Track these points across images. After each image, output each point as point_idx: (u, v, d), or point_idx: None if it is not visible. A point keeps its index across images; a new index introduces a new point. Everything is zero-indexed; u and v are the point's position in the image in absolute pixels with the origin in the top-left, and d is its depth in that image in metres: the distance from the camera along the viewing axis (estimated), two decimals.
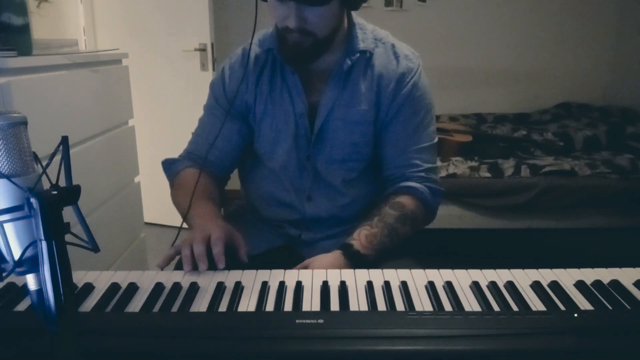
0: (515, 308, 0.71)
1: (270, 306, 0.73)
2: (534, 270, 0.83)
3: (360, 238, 0.97)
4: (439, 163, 2.43)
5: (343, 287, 0.77)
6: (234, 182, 1.24)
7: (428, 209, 1.07)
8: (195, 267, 0.84)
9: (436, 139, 1.10)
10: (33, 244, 0.46)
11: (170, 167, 1.14)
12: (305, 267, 0.91)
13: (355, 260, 0.94)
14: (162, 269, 0.86)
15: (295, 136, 1.07)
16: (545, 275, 0.81)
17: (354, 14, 1.06)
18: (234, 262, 0.88)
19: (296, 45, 0.95)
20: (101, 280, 0.81)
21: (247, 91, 1.08)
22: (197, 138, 1.14)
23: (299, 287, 0.77)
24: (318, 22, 0.93)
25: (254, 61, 1.07)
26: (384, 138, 1.07)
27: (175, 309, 0.72)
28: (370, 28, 1.08)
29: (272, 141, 1.09)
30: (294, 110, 1.05)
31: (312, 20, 0.92)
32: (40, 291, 0.47)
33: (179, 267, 1.06)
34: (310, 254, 1.13)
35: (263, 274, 0.82)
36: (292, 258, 1.12)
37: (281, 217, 1.14)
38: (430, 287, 0.77)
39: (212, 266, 0.84)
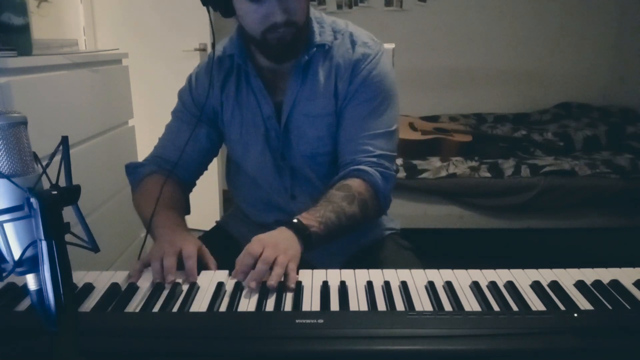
0: (515, 308, 0.71)
1: (270, 306, 0.73)
2: (534, 270, 0.83)
3: (302, 214, 0.93)
4: (438, 163, 2.45)
5: (343, 287, 0.77)
6: None
7: (378, 193, 1.01)
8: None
9: (395, 127, 1.05)
10: (33, 244, 0.46)
11: (135, 171, 1.10)
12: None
13: (300, 231, 0.89)
14: (135, 283, 0.82)
15: (266, 138, 1.07)
16: (545, 275, 0.81)
17: (312, 8, 1.05)
18: (227, 264, 0.87)
19: (280, 40, 0.95)
20: (101, 280, 0.81)
21: (214, 96, 1.08)
22: (165, 142, 1.13)
23: (298, 287, 0.77)
24: (298, 8, 0.94)
25: (219, 66, 1.08)
26: (339, 124, 1.05)
27: (175, 309, 0.72)
28: (329, 21, 1.07)
29: (243, 146, 1.09)
30: (262, 112, 1.06)
31: (294, 8, 0.93)
32: (40, 291, 0.47)
33: (178, 267, 1.06)
34: (309, 254, 1.13)
35: None
36: None
37: (270, 219, 1.14)
38: (430, 287, 0.77)
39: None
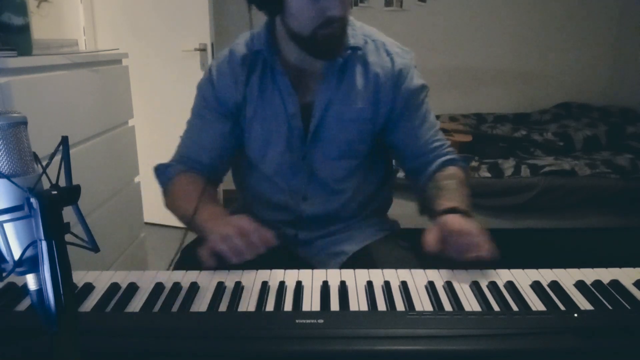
0: (515, 308, 0.71)
1: (270, 306, 0.73)
2: (534, 270, 0.83)
3: (447, 203, 0.96)
4: None
5: (343, 287, 0.77)
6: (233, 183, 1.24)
7: (467, 173, 1.11)
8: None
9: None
10: (33, 244, 0.46)
11: (165, 172, 1.10)
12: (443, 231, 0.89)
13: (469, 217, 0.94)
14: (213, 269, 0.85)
15: (287, 137, 1.06)
16: (545, 275, 0.81)
17: None
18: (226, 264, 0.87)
19: (330, 36, 0.95)
20: (101, 280, 0.81)
21: (237, 91, 1.06)
22: (188, 141, 1.12)
23: (299, 287, 0.77)
24: (349, 3, 0.96)
25: (242, 62, 1.06)
26: (400, 133, 1.09)
27: (175, 308, 0.72)
28: (358, 24, 1.08)
29: (263, 144, 1.08)
30: (286, 111, 1.05)
31: (347, 2, 0.95)
32: (40, 291, 0.47)
33: (179, 267, 1.06)
34: (307, 254, 1.13)
35: (263, 274, 0.82)
36: (289, 258, 1.12)
37: (277, 218, 1.14)
38: (430, 287, 0.77)
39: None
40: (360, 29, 1.08)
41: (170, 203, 1.08)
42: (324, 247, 1.10)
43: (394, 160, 1.25)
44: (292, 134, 1.06)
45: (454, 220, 0.89)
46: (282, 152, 1.07)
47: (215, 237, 0.86)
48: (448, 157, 1.09)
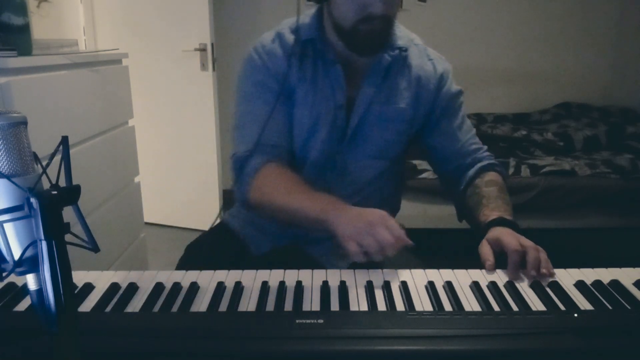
0: (515, 308, 0.71)
1: (270, 306, 0.72)
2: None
3: (490, 214, 0.97)
4: None
5: (343, 287, 0.77)
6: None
7: (505, 177, 1.11)
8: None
9: None
10: (33, 244, 0.46)
11: (246, 164, 1.01)
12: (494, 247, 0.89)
13: (515, 228, 0.94)
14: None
15: (331, 128, 1.06)
16: None
17: None
18: (234, 262, 0.87)
19: (371, 33, 0.96)
20: (101, 280, 0.81)
21: (290, 73, 1.04)
22: (257, 128, 1.02)
23: (299, 287, 0.77)
24: (395, 2, 0.97)
25: (292, 47, 1.05)
26: (439, 135, 1.11)
27: (175, 308, 0.72)
28: (402, 28, 1.11)
29: (309, 129, 1.06)
30: (335, 101, 1.05)
31: (392, 2, 0.96)
32: (40, 291, 0.47)
33: (179, 267, 1.06)
34: (316, 252, 1.12)
35: (263, 274, 0.82)
36: (298, 257, 1.11)
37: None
38: (430, 287, 0.77)
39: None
40: (405, 32, 1.10)
41: (261, 196, 1.00)
42: (333, 247, 1.10)
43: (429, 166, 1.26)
44: (335, 125, 1.06)
45: (508, 236, 0.87)
46: (323, 141, 1.06)
47: (356, 231, 0.82)
48: (486, 162, 1.10)
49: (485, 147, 1.14)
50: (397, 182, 1.21)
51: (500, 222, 0.94)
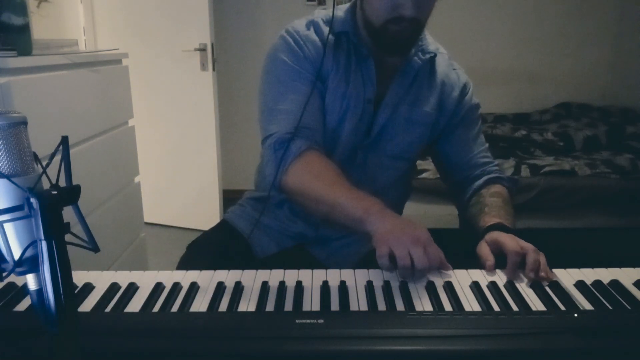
0: (515, 308, 0.71)
1: (270, 306, 0.72)
2: None
3: (490, 221, 0.96)
4: None
5: (343, 287, 0.77)
6: (234, 182, 1.24)
7: (512, 192, 1.12)
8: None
9: None
10: (33, 244, 0.46)
11: (287, 147, 0.98)
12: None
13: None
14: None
15: (359, 121, 1.06)
16: None
17: None
18: (237, 265, 0.87)
19: (399, 34, 0.96)
20: (101, 280, 0.81)
21: (326, 61, 1.04)
22: (297, 110, 1.00)
23: (299, 287, 0.77)
24: (427, 7, 0.98)
25: (326, 37, 1.05)
26: (455, 142, 1.13)
27: (175, 308, 0.72)
28: (429, 35, 1.12)
29: (338, 119, 1.05)
30: (365, 94, 1.05)
31: (424, 6, 0.96)
32: (40, 291, 0.47)
33: (180, 266, 1.06)
34: (322, 254, 1.12)
35: (263, 274, 0.82)
36: (305, 259, 1.11)
37: (301, 210, 1.10)
38: (430, 287, 0.77)
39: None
40: (432, 40, 1.12)
41: (300, 181, 0.97)
42: (340, 249, 1.10)
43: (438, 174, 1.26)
44: (362, 119, 1.06)
45: (507, 238, 0.87)
46: (349, 133, 1.06)
47: (397, 242, 0.80)
48: (494, 175, 1.11)
49: (496, 162, 1.15)
50: (406, 189, 1.23)
51: (499, 227, 0.93)
